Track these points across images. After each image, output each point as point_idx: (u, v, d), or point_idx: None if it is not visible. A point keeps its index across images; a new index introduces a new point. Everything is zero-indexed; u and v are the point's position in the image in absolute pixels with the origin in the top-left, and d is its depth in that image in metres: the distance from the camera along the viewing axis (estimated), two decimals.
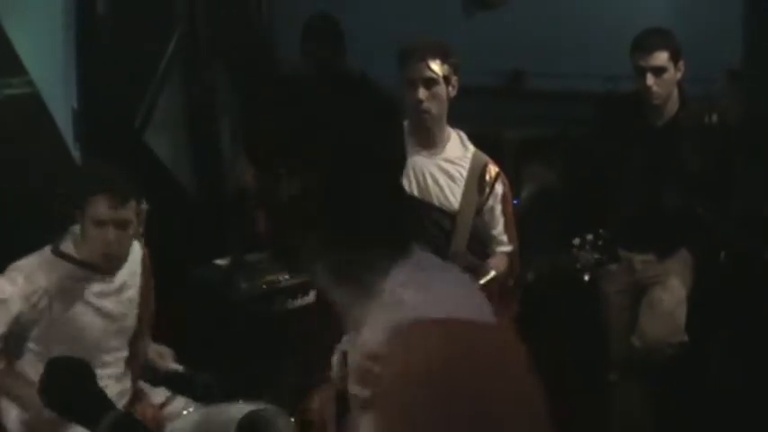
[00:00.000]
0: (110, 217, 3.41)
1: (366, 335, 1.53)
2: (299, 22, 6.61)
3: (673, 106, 4.31)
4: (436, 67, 3.76)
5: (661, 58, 4.18)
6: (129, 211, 3.45)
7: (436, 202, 3.92)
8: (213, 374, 3.89)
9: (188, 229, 5.69)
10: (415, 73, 3.78)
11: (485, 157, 4.02)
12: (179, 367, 3.88)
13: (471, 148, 4.02)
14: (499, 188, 3.98)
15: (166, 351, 3.94)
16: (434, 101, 3.80)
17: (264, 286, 5.22)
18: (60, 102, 5.28)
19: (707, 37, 4.50)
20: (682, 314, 4.31)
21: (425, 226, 3.92)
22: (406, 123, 3.94)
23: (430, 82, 3.78)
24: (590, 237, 4.00)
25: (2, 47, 5.04)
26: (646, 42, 4.21)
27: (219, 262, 5.46)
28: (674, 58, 4.20)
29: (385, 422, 1.44)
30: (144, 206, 3.59)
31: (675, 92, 4.28)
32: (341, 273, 1.60)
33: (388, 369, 1.43)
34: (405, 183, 3.87)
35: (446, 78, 3.80)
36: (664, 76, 4.19)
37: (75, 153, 5.30)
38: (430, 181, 3.91)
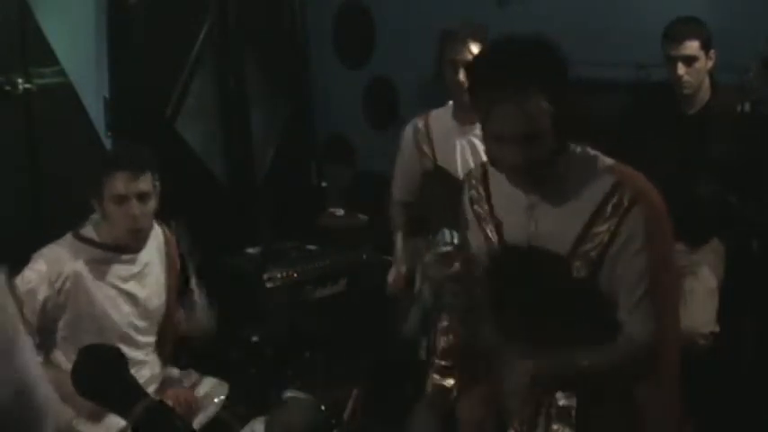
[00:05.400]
0: (129, 190, 3.42)
1: None
2: (330, 10, 6.64)
3: (704, 95, 4.29)
4: (476, 49, 3.96)
5: (692, 47, 4.15)
6: (146, 183, 3.47)
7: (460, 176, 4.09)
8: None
9: (219, 218, 5.72)
10: (457, 55, 4.01)
11: None
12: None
13: None
14: None
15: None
16: None
17: (295, 274, 5.25)
18: (92, 91, 5.31)
19: (739, 25, 4.46)
20: (713, 304, 4.28)
21: (451, 195, 4.04)
22: (450, 103, 4.23)
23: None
24: None
25: (34, 37, 5.08)
26: (676, 31, 4.19)
27: (250, 250, 5.49)
28: (705, 47, 4.17)
29: None
30: (158, 182, 3.60)
31: (707, 81, 4.26)
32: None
33: None
34: (439, 152, 4.16)
35: None
36: (695, 65, 4.17)
37: (107, 142, 5.34)
38: (460, 155, 4.15)
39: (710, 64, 4.21)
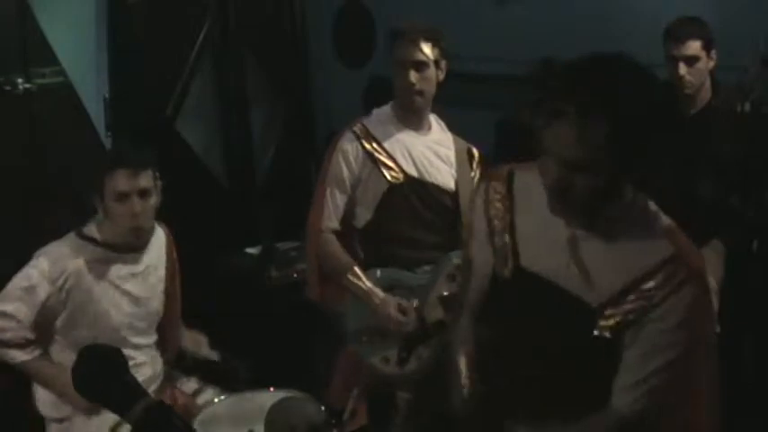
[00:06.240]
0: (131, 187, 3.43)
1: None
2: (329, 11, 6.64)
3: (705, 95, 4.28)
4: (427, 50, 3.83)
5: (694, 47, 4.15)
6: (147, 180, 3.48)
7: (434, 181, 3.99)
8: (246, 363, 3.90)
9: (219, 218, 5.72)
10: (407, 56, 3.84)
11: (463, 141, 4.11)
12: (214, 355, 3.91)
13: (448, 132, 4.13)
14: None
15: (202, 338, 3.96)
16: (425, 83, 3.87)
17: (295, 274, 5.24)
18: (92, 91, 5.32)
19: (739, 25, 4.46)
20: (713, 305, 4.28)
21: (428, 203, 3.98)
22: (390, 104, 4.04)
23: (421, 65, 3.84)
24: None
25: (34, 37, 5.08)
26: (678, 32, 4.18)
27: (250, 250, 5.49)
28: (707, 47, 4.17)
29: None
30: (159, 180, 3.60)
31: (708, 81, 4.26)
32: None
33: None
34: (401, 161, 3.92)
35: (436, 62, 3.86)
36: (696, 65, 4.16)
37: (107, 142, 5.34)
38: (425, 161, 3.99)
39: (712, 64, 4.20)
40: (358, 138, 3.96)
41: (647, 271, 2.29)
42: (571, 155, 2.17)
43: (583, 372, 2.36)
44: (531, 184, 2.42)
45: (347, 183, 3.97)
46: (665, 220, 2.39)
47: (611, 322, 2.30)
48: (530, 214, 2.44)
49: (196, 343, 3.94)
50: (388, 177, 3.94)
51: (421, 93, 3.88)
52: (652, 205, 2.40)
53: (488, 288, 2.53)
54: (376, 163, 3.94)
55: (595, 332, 2.31)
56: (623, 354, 2.33)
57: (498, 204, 2.52)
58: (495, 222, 2.51)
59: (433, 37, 3.85)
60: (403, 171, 3.95)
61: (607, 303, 2.31)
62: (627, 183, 2.31)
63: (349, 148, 3.96)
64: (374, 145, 3.95)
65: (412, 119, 3.98)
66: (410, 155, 3.96)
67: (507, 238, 2.47)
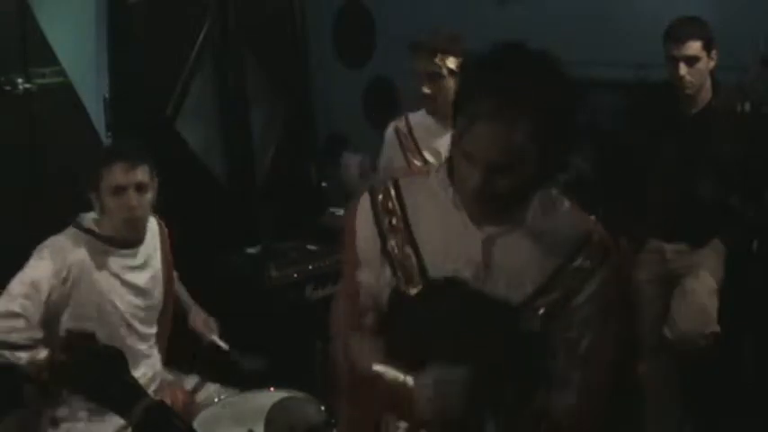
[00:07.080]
0: (128, 181, 3.48)
1: None
2: (329, 11, 6.64)
3: (705, 95, 4.28)
4: (439, 61, 3.95)
5: (694, 47, 4.15)
6: (144, 174, 3.53)
7: None
8: (249, 357, 3.93)
9: (219, 218, 5.71)
10: (419, 67, 4.01)
11: None
12: (224, 344, 3.93)
13: None
14: None
15: (214, 324, 4.01)
16: (439, 91, 4.00)
17: (295, 274, 5.24)
18: (92, 91, 5.30)
19: (739, 25, 4.46)
20: (714, 304, 4.28)
21: None
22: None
23: (435, 76, 3.98)
24: None
25: (34, 37, 5.07)
26: (679, 32, 4.19)
27: (250, 250, 5.49)
28: (708, 47, 4.17)
29: None
30: (156, 178, 3.62)
31: (708, 81, 4.26)
32: None
33: None
34: (425, 150, 4.09)
35: (452, 72, 3.96)
36: (697, 65, 4.16)
37: (107, 142, 5.33)
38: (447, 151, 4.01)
39: (712, 64, 4.20)
40: (396, 126, 4.26)
41: (567, 256, 2.25)
42: (495, 156, 2.06)
43: (524, 365, 2.31)
44: (420, 191, 2.36)
45: (382, 161, 4.35)
46: (567, 203, 2.33)
47: (540, 313, 2.25)
48: (430, 223, 2.33)
49: (207, 327, 3.98)
50: (407, 163, 4.15)
51: (434, 99, 4.02)
52: (554, 190, 2.33)
53: (388, 310, 2.40)
54: (402, 148, 4.20)
55: (525, 327, 2.25)
56: (558, 339, 2.29)
57: (391, 220, 2.37)
58: (391, 240, 2.35)
59: (448, 48, 3.96)
60: (423, 158, 4.12)
61: (533, 296, 2.25)
62: (546, 176, 2.21)
63: (387, 133, 4.31)
64: (405, 132, 4.22)
65: (443, 118, 4.06)
66: (435, 145, 4.10)
67: (410, 251, 2.33)
